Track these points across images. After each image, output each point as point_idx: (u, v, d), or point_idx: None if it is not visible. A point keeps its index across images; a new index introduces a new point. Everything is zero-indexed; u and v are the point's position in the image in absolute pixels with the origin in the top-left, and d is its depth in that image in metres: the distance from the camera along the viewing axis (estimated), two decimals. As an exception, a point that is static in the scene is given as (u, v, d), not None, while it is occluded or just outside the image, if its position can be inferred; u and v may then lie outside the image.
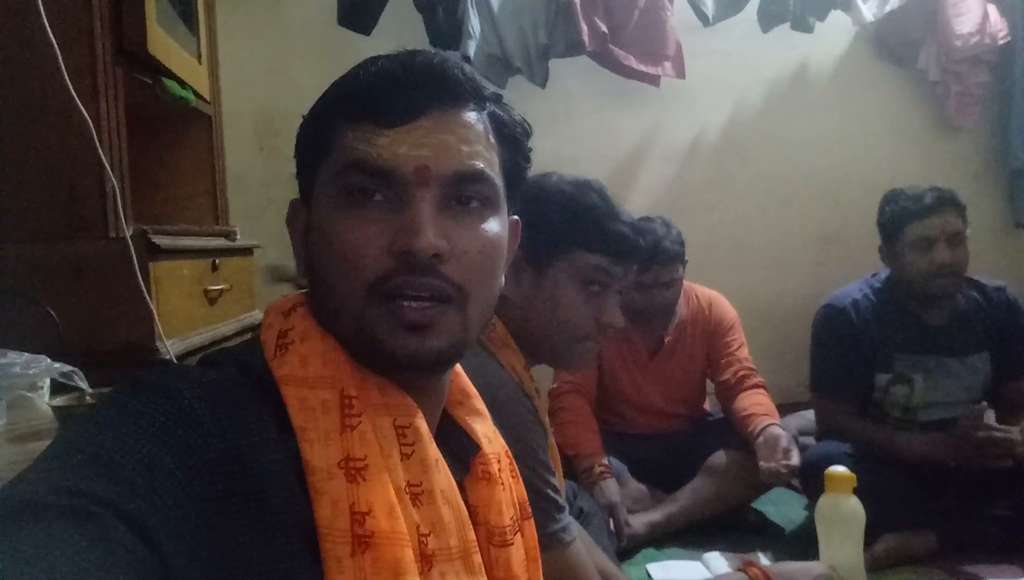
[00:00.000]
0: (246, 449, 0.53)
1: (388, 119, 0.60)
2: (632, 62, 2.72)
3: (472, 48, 2.54)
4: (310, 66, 2.61)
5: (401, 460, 0.59)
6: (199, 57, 1.63)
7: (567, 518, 1.09)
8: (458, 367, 0.73)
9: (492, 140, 0.65)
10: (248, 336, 1.64)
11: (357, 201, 0.60)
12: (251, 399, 0.56)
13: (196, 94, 1.59)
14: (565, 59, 2.70)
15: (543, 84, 2.65)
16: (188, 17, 1.60)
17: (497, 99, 0.67)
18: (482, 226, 0.63)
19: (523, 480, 0.83)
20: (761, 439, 2.02)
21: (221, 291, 1.48)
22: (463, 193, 0.62)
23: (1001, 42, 3.11)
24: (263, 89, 2.60)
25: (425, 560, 0.58)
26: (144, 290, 1.19)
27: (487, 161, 0.63)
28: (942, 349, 2.05)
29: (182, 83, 1.49)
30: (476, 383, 0.76)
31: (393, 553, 0.55)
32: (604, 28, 2.65)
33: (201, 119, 1.71)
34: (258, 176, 2.59)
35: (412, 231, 0.58)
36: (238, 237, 1.66)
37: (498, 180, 0.65)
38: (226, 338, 1.46)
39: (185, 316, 1.34)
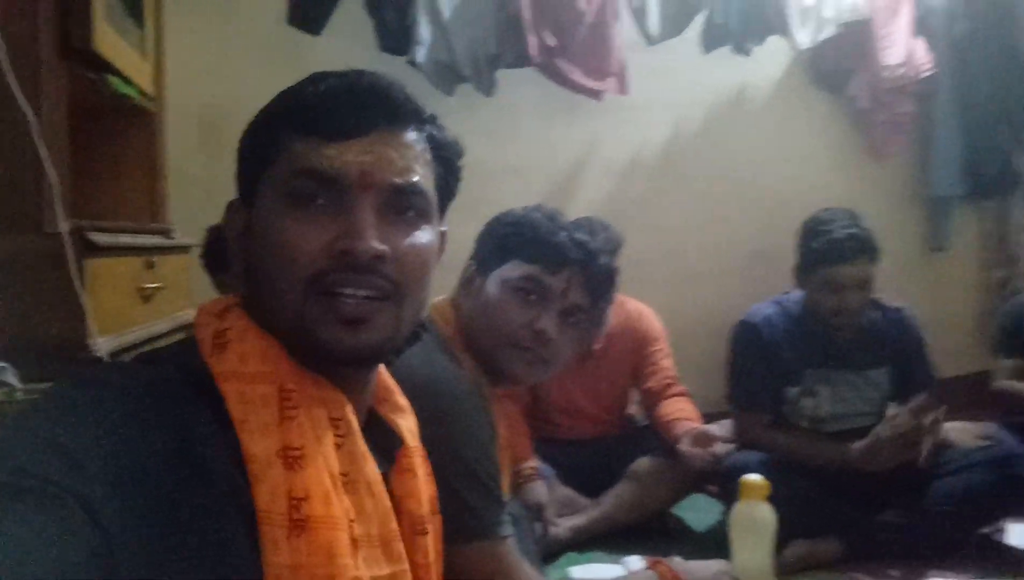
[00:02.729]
0: (190, 440, 0.56)
1: (336, 133, 0.66)
2: (577, 76, 2.78)
3: (421, 54, 2.57)
4: (257, 65, 2.60)
5: (335, 450, 0.64)
6: (144, 53, 1.63)
7: (506, 515, 1.14)
8: (381, 366, 0.78)
9: (429, 159, 0.71)
10: (182, 335, 1.65)
11: (300, 204, 0.65)
12: (190, 394, 0.60)
13: (140, 91, 1.59)
14: (512, 70, 2.75)
15: (489, 93, 2.70)
16: (135, 12, 1.59)
17: (433, 120, 0.73)
18: (416, 234, 0.69)
19: (470, 471, 0.89)
20: (688, 437, 2.11)
21: (156, 289, 1.49)
22: (401, 203, 0.68)
23: (925, 74, 3.28)
24: (207, 86, 2.58)
25: (353, 544, 0.62)
26: (78, 287, 1.20)
27: (423, 177, 0.70)
28: (846, 364, 2.18)
29: (127, 80, 1.49)
30: (430, 379, 0.81)
31: (328, 536, 0.59)
32: (551, 41, 2.71)
33: (144, 116, 1.71)
34: (199, 174, 2.55)
35: (355, 234, 0.64)
36: (175, 235, 1.66)
37: (432, 194, 0.71)
38: (160, 336, 1.47)
39: (119, 314, 1.35)
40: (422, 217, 0.70)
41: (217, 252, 2.05)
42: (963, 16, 3.38)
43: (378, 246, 0.64)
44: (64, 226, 1.25)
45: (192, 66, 2.48)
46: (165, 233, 1.62)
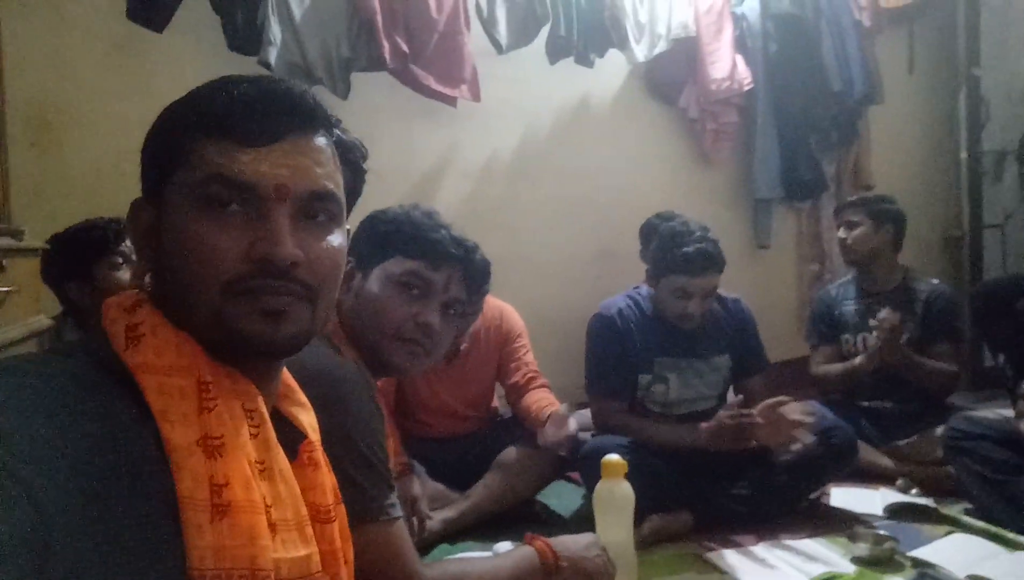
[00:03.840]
0: (113, 428, 0.58)
1: (250, 139, 0.68)
2: (431, 82, 2.83)
3: (273, 55, 2.53)
4: (94, 59, 2.46)
5: (250, 439, 0.66)
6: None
7: (396, 498, 1.17)
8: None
9: (337, 163, 0.75)
10: (37, 342, 1.55)
11: (214, 209, 0.67)
12: (108, 385, 0.61)
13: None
14: (368, 73, 2.76)
15: (345, 96, 2.69)
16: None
17: (339, 124, 0.76)
18: (329, 238, 0.72)
19: (362, 456, 0.96)
20: (551, 423, 2.20)
21: (7, 294, 1.39)
22: (314, 208, 0.71)
23: (746, 88, 3.61)
24: (37, 80, 2.40)
25: (271, 528, 0.65)
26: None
27: (335, 182, 0.73)
28: (692, 353, 2.38)
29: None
30: (323, 369, 0.83)
31: (249, 520, 0.62)
32: (405, 47, 2.75)
33: (-19, 111, 1.59)
34: (29, 173, 2.38)
35: (273, 241, 0.66)
36: (25, 237, 1.56)
37: (342, 198, 0.75)
38: (14, 343, 1.37)
39: (-31, 320, 1.26)
40: (333, 221, 0.73)
41: (60, 263, 1.94)
42: (775, 37, 3.74)
43: (295, 252, 0.67)
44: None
45: (19, 57, 2.30)
46: (15, 234, 1.52)
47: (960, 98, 4.18)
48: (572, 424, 2.16)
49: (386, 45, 2.70)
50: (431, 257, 1.27)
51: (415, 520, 2.03)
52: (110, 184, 2.40)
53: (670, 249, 2.23)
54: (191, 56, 2.58)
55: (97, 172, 2.44)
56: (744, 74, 3.61)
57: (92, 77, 2.46)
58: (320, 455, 0.79)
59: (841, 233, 2.90)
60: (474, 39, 2.93)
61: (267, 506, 0.65)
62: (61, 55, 2.43)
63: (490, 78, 2.98)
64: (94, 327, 0.68)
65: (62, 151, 2.43)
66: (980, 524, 2.11)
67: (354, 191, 0.80)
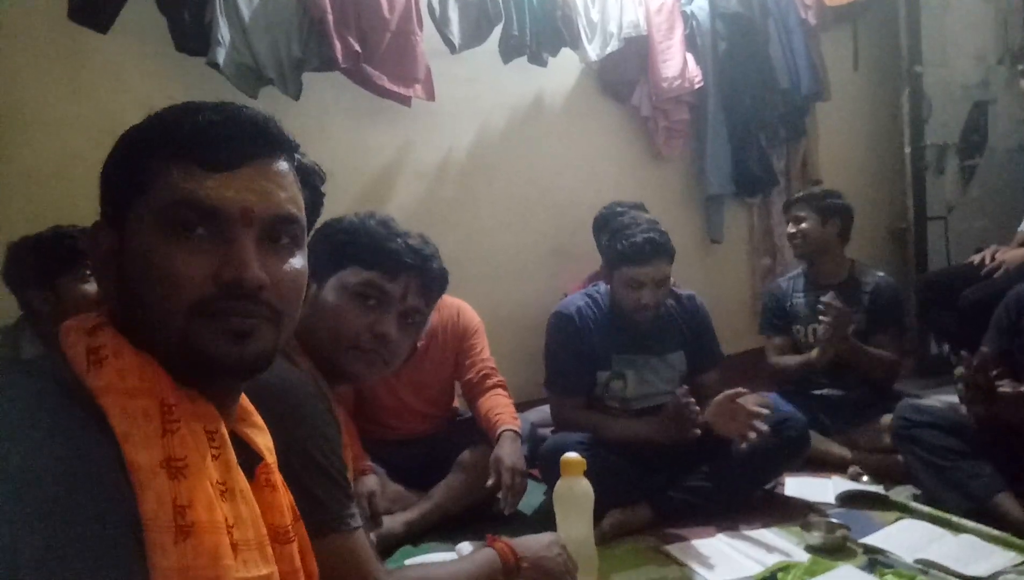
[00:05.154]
0: (79, 449, 0.58)
1: (216, 164, 0.69)
2: (385, 82, 2.81)
3: (222, 56, 2.49)
4: (34, 63, 2.39)
5: (212, 461, 0.67)
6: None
7: (355, 507, 1.17)
8: None
9: (299, 186, 0.76)
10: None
11: (180, 233, 0.67)
12: (71, 406, 0.61)
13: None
14: (319, 73, 2.73)
15: (296, 97, 2.66)
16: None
17: (298, 148, 0.78)
18: (291, 261, 0.74)
19: (319, 468, 0.98)
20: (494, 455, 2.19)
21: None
22: (277, 232, 0.72)
23: (697, 86, 3.66)
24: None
25: (233, 547, 0.65)
26: None
27: (297, 205, 0.74)
28: (648, 349, 2.42)
29: None
30: (276, 383, 0.83)
31: (213, 540, 0.63)
32: (357, 47, 2.73)
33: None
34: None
35: (240, 265, 0.67)
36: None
37: (304, 221, 0.76)
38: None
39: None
40: (295, 243, 0.75)
41: (23, 270, 1.89)
42: (724, 36, 3.80)
43: (261, 275, 0.69)
44: None
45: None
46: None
47: (903, 94, 4.29)
48: (520, 463, 2.17)
49: (338, 45, 2.68)
50: (387, 267, 1.25)
51: (371, 513, 2.02)
52: (52, 188, 2.34)
53: (619, 241, 2.30)
54: (136, 58, 2.52)
55: (38, 176, 2.37)
56: (695, 72, 3.67)
57: (33, 80, 2.39)
58: (277, 477, 0.80)
59: (790, 228, 2.99)
60: (427, 39, 2.91)
61: (229, 526, 0.66)
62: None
63: (444, 77, 2.98)
64: (52, 342, 0.68)
65: (2, 155, 2.36)
66: (927, 509, 2.17)
67: (313, 213, 0.82)
